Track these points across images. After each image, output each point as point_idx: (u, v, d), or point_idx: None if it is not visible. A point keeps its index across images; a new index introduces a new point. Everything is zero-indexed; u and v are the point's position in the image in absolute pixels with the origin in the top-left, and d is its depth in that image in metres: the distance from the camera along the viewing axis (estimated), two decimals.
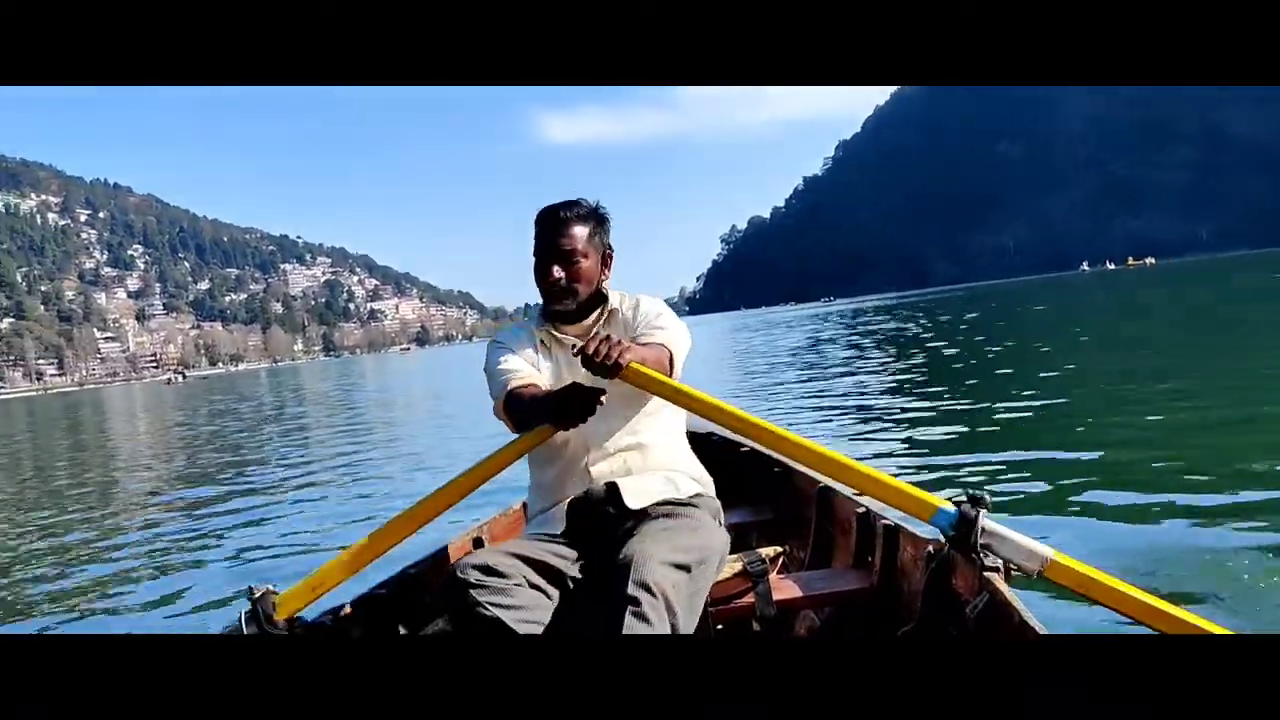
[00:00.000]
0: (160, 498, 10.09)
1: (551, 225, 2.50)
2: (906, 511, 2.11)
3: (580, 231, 2.50)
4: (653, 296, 2.67)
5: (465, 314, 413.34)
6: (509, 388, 2.46)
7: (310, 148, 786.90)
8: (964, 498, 2.00)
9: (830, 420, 9.87)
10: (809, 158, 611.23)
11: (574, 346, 2.32)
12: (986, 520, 1.96)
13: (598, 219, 2.56)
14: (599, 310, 2.62)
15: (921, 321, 31.84)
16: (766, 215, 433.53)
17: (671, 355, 2.46)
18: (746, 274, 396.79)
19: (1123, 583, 1.83)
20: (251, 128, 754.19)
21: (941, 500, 2.03)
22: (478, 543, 3.15)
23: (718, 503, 2.61)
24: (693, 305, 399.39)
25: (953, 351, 17.93)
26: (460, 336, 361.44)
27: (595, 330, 2.57)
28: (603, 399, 2.26)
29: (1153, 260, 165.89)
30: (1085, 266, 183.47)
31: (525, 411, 2.39)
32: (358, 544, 2.28)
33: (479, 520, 3.41)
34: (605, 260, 2.59)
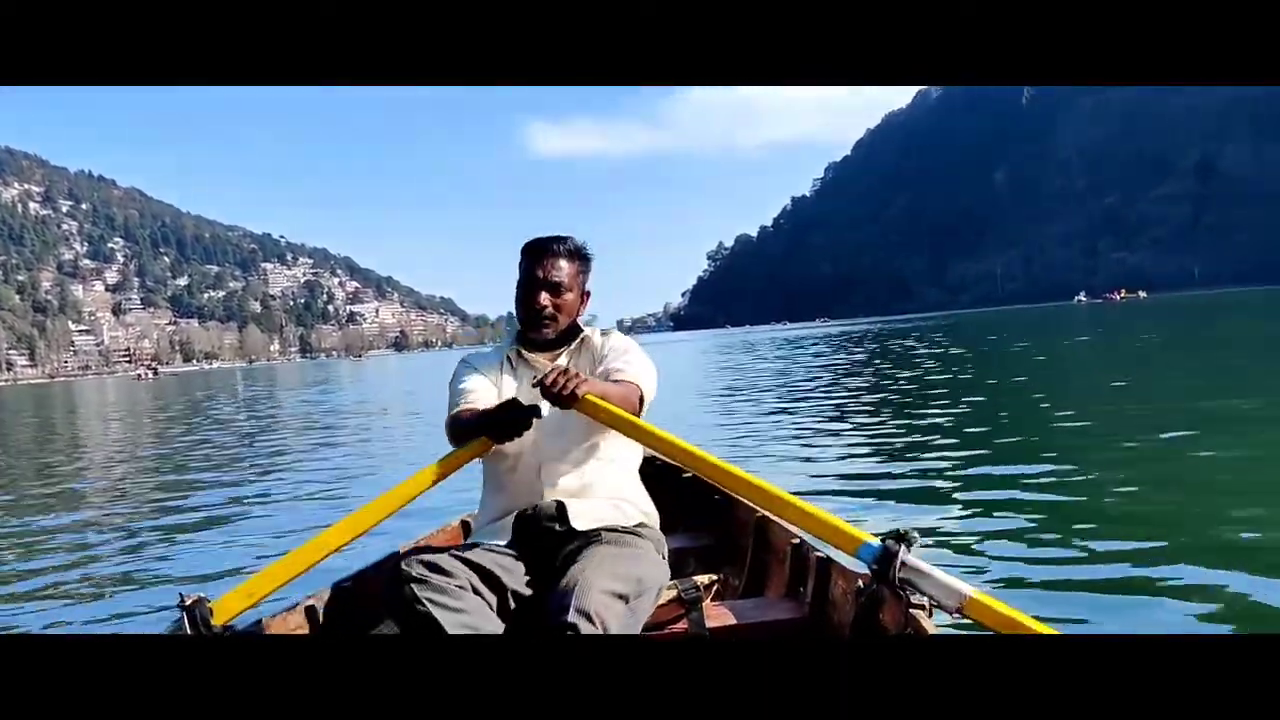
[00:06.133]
0: (99, 498, 9.62)
1: (542, 255, 2.64)
2: (834, 544, 2.13)
3: (568, 266, 2.65)
4: (626, 333, 2.82)
5: (446, 320, 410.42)
6: (455, 410, 2.57)
7: (299, 148, 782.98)
8: (890, 533, 2.03)
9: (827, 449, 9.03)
10: (797, 179, 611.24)
11: (534, 377, 2.42)
12: (906, 555, 1.98)
13: (583, 258, 2.70)
14: (571, 342, 2.73)
15: (947, 351, 29.33)
16: (754, 234, 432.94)
17: (641, 394, 2.56)
18: (732, 292, 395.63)
19: (1041, 623, 1.82)
20: (241, 126, 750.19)
21: (868, 535, 2.05)
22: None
23: (661, 535, 2.68)
24: (678, 321, 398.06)
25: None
26: (440, 343, 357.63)
27: (560, 360, 2.67)
28: (540, 415, 2.36)
29: (1144, 294, 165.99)
30: (1082, 297, 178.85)
31: (464, 431, 2.48)
32: (295, 551, 2.26)
33: (417, 537, 3.37)
34: (583, 297, 2.73)
